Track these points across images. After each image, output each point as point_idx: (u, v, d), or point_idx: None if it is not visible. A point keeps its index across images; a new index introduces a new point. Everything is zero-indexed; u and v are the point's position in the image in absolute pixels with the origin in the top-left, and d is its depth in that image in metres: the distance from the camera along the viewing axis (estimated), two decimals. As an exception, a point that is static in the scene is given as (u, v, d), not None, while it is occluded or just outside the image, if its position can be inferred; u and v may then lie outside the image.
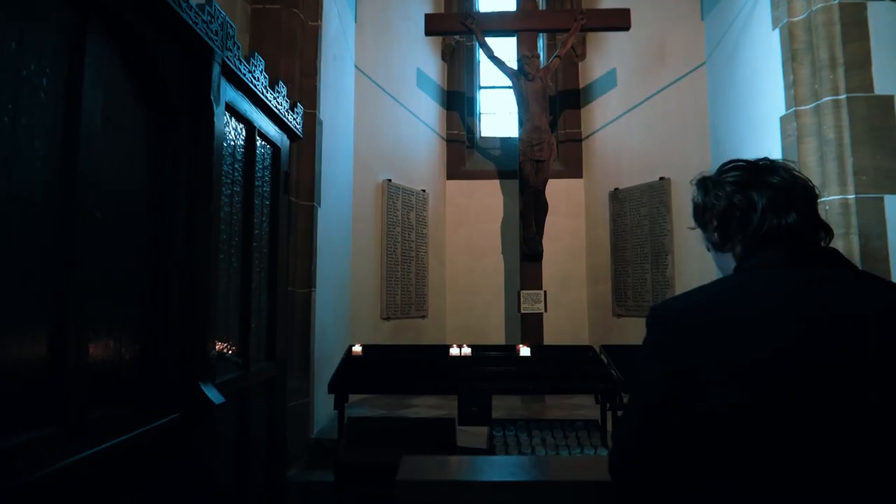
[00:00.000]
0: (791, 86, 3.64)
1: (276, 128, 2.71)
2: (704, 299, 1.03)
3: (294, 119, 2.86)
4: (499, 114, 8.12)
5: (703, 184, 1.17)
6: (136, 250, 1.64)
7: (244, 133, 2.36)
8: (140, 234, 1.65)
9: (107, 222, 1.46)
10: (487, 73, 8.07)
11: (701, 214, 1.18)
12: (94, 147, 1.40)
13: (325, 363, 4.24)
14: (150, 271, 1.69)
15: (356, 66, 5.72)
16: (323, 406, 4.24)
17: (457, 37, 7.61)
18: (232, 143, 2.23)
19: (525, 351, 3.36)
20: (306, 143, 3.93)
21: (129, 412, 1.53)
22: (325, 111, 4.35)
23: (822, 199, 3.38)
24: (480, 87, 8.08)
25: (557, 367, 3.12)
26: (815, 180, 3.45)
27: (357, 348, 3.46)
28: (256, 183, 2.49)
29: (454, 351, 3.37)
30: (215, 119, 1.93)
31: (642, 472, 1.01)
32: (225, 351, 2.17)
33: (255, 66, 2.31)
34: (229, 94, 2.13)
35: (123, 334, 1.57)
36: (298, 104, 2.94)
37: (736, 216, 1.09)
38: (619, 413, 1.06)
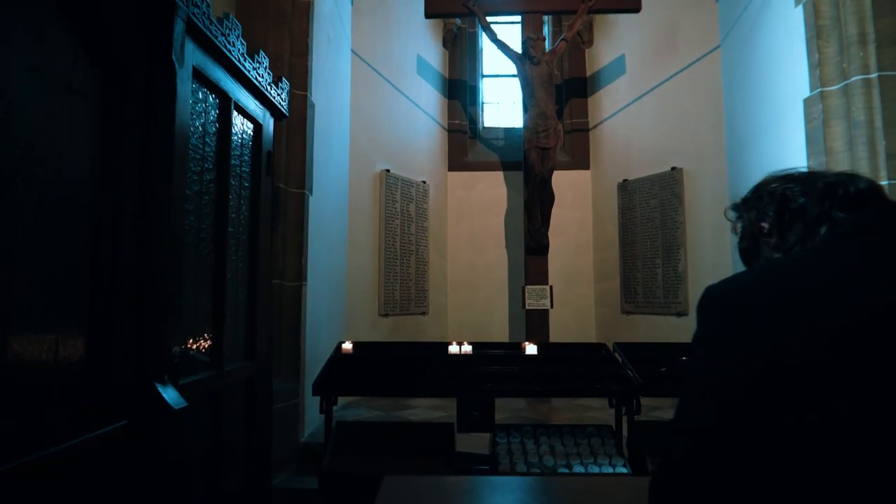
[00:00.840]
0: (816, 65, 3.39)
1: (257, 102, 2.47)
2: (769, 272, 0.82)
3: (278, 95, 2.61)
4: (502, 103, 7.84)
5: (742, 203, 0.98)
6: (80, 229, 1.39)
7: (217, 105, 2.11)
8: (85, 211, 1.40)
9: (35, 193, 1.22)
10: (490, 61, 7.81)
11: (749, 228, 0.96)
12: (14, 101, 1.16)
13: (319, 362, 3.99)
14: (96, 255, 1.44)
15: (353, 51, 5.46)
16: (314, 408, 3.99)
17: (458, 22, 7.35)
18: (202, 114, 1.98)
19: (531, 349, 3.10)
20: (297, 126, 3.68)
21: (61, 420, 1.28)
22: (318, 94, 4.10)
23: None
24: (483, 76, 7.80)
25: (567, 366, 2.85)
26: (844, 166, 3.20)
27: (347, 345, 3.21)
28: (233, 162, 2.25)
29: (453, 349, 3.11)
30: (178, 82, 1.68)
31: (690, 486, 0.77)
32: (192, 349, 1.93)
33: (230, 30, 2.06)
34: (197, 57, 1.88)
35: (61, 329, 1.32)
36: (283, 79, 2.69)
37: (790, 207, 0.89)
38: (671, 419, 0.82)
